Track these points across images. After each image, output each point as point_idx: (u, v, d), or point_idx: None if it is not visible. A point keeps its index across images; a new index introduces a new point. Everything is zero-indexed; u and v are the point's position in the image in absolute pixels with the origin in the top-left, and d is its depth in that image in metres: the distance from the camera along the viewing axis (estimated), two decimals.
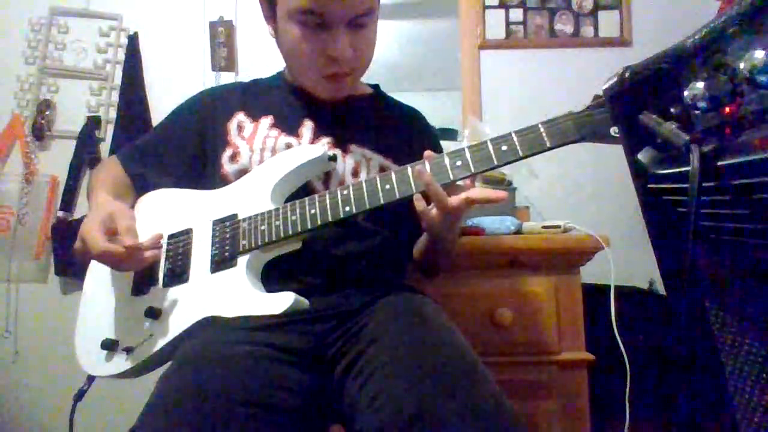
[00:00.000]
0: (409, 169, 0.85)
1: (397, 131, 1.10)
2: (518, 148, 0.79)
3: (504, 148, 0.80)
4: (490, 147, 0.81)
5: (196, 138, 1.07)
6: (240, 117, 1.05)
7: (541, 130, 0.78)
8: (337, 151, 1.01)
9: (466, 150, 0.83)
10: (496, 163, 0.81)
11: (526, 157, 0.79)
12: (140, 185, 1.08)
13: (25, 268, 1.95)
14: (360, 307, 0.90)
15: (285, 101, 1.07)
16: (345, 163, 1.01)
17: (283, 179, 0.94)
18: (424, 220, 0.89)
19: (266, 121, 1.04)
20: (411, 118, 1.17)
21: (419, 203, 0.88)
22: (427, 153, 0.86)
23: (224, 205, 0.96)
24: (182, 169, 1.07)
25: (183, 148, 1.07)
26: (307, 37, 0.94)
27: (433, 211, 0.87)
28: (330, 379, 0.84)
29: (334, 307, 0.90)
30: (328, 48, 0.94)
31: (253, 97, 1.09)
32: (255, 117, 1.05)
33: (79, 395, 0.97)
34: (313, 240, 0.91)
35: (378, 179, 0.86)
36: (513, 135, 0.80)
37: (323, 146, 0.99)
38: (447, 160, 0.83)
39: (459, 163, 0.82)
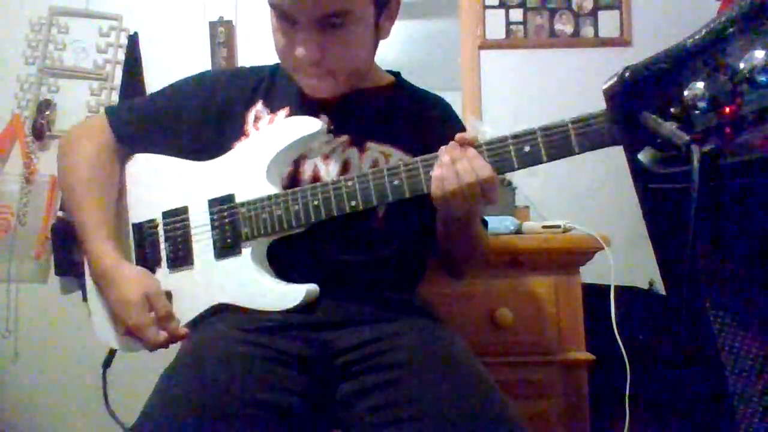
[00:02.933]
0: (420, 164, 0.82)
1: (418, 124, 1.02)
2: (542, 152, 0.74)
3: (527, 149, 0.75)
4: (512, 148, 0.76)
5: (211, 124, 1.01)
6: (259, 107, 1.01)
7: (570, 130, 0.72)
8: (354, 150, 0.96)
9: (484, 149, 0.79)
10: (516, 166, 0.77)
11: (550, 161, 0.74)
12: (132, 152, 1.03)
13: (25, 268, 1.95)
14: (372, 321, 0.87)
15: (302, 92, 1.00)
16: (362, 162, 0.95)
17: (278, 155, 0.90)
18: (434, 188, 0.81)
19: (283, 113, 1.00)
20: (435, 108, 1.08)
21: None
22: (458, 136, 0.81)
23: (219, 181, 0.93)
24: (185, 147, 1.01)
25: (195, 130, 1.01)
26: (281, 29, 0.89)
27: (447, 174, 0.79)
28: (333, 387, 0.82)
29: (339, 316, 0.87)
30: (295, 45, 0.87)
31: (276, 86, 1.04)
32: (273, 108, 1.00)
33: (107, 362, 1.00)
34: (319, 245, 0.89)
35: (386, 173, 0.83)
36: (538, 134, 0.74)
37: (320, 120, 0.92)
38: None
39: None
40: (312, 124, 0.90)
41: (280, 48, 0.91)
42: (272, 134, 0.92)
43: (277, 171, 0.92)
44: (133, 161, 1.03)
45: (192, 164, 0.98)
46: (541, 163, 0.75)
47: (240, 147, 0.95)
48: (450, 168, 0.79)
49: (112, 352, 0.99)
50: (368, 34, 0.91)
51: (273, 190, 0.89)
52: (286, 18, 0.86)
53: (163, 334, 0.87)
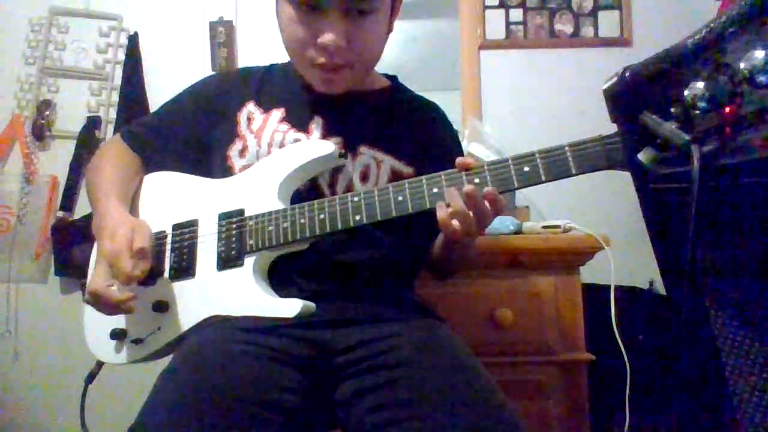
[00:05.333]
0: (424, 182, 0.83)
1: (413, 130, 1.03)
2: (541, 172, 0.76)
3: (526, 169, 0.77)
4: (512, 168, 0.78)
5: (204, 124, 1.03)
6: (250, 107, 1.02)
7: (568, 154, 0.75)
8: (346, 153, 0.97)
9: (486, 168, 0.80)
10: (516, 185, 0.78)
11: (549, 181, 0.76)
12: (149, 164, 1.06)
13: (25, 268, 1.94)
14: (371, 320, 0.88)
15: (296, 93, 1.02)
16: (354, 166, 0.97)
17: (290, 175, 0.92)
18: (445, 230, 0.81)
19: (277, 113, 1.00)
20: (429, 115, 1.09)
21: (441, 211, 0.80)
22: (459, 161, 0.81)
23: (230, 197, 0.95)
24: (188, 154, 1.04)
25: (190, 133, 1.04)
26: (299, 20, 0.88)
27: (457, 226, 0.80)
28: (333, 387, 0.83)
29: (338, 315, 0.88)
30: (320, 35, 0.87)
31: (269, 86, 1.05)
32: (266, 108, 1.01)
33: (90, 377, 0.99)
34: (319, 244, 0.90)
35: (391, 190, 0.84)
36: (537, 156, 0.77)
37: (334, 143, 0.93)
38: (464, 177, 0.81)
39: (477, 180, 0.80)
40: (324, 148, 0.92)
41: (299, 39, 0.91)
42: (285, 156, 0.94)
43: (288, 190, 0.93)
44: (148, 178, 1.05)
45: (205, 181, 1.00)
46: (540, 182, 0.77)
47: (253, 167, 0.96)
48: (458, 215, 0.79)
49: (98, 367, 0.98)
50: (386, 25, 0.94)
51: (282, 207, 0.90)
52: (310, 6, 0.87)
53: (136, 270, 0.84)
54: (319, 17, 0.87)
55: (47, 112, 1.98)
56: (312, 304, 0.82)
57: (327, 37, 0.87)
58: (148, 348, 0.90)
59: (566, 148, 0.75)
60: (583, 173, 0.75)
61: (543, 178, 0.76)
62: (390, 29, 0.98)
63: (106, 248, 0.86)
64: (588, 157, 0.74)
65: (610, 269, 1.29)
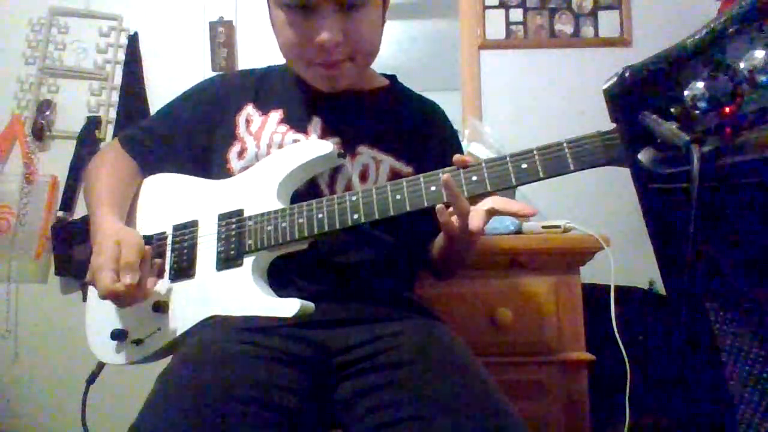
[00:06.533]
0: (422, 180, 0.82)
1: (412, 129, 1.04)
2: (539, 168, 0.75)
3: (524, 166, 0.77)
4: (510, 165, 0.77)
5: (204, 128, 1.04)
6: (249, 110, 1.02)
7: (566, 150, 0.74)
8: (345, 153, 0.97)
9: (484, 166, 0.80)
10: (514, 183, 0.77)
11: (547, 178, 0.76)
12: (147, 169, 1.06)
13: (25, 268, 1.95)
14: (371, 320, 0.88)
15: (295, 94, 1.03)
16: (353, 166, 0.97)
17: (289, 175, 0.92)
18: (445, 230, 0.84)
19: (276, 115, 1.01)
20: (428, 114, 1.10)
21: (442, 214, 0.82)
22: (457, 157, 0.81)
23: (230, 198, 0.95)
24: (188, 158, 1.05)
25: (190, 137, 1.04)
26: (293, 23, 0.89)
27: (456, 223, 0.82)
28: (333, 387, 0.83)
29: (337, 315, 0.88)
30: (315, 34, 0.88)
31: (267, 87, 1.05)
32: (265, 110, 1.01)
33: (91, 379, 0.99)
34: (318, 245, 0.90)
35: (389, 188, 0.83)
36: (535, 153, 0.76)
37: (332, 143, 0.93)
38: (462, 174, 0.80)
39: (474, 178, 0.79)
40: (323, 147, 0.92)
41: (294, 42, 0.91)
42: (284, 156, 0.94)
43: (286, 191, 0.93)
44: (148, 180, 1.06)
45: (205, 182, 1.00)
46: (538, 179, 0.76)
47: (253, 168, 0.96)
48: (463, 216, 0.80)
49: (99, 368, 0.98)
50: (380, 17, 0.95)
51: (281, 207, 0.90)
52: (301, 7, 0.87)
53: (117, 283, 0.82)
54: (311, 17, 0.88)
55: (47, 112, 1.99)
56: (311, 304, 0.82)
57: (323, 36, 0.87)
58: (148, 349, 0.90)
59: (564, 145, 0.75)
60: (582, 169, 0.74)
61: (541, 174, 0.76)
62: (383, 21, 0.98)
63: (93, 262, 0.87)
64: (586, 153, 0.73)
65: (610, 269, 1.29)
